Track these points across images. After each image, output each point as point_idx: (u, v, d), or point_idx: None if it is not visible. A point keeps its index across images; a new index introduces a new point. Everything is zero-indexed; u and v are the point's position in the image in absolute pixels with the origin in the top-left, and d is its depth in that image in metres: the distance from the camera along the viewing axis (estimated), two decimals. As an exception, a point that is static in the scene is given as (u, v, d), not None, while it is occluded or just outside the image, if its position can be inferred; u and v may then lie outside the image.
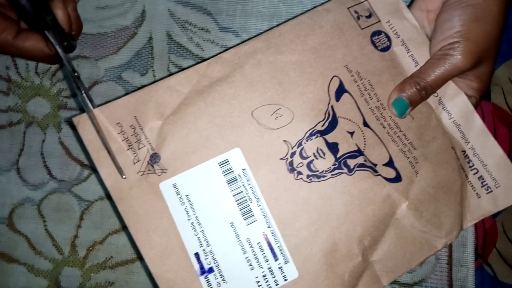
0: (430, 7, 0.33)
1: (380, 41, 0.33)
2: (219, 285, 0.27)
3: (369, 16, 0.33)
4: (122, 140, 0.28)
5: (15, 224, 0.37)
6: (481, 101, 0.34)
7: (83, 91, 0.29)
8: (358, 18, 0.33)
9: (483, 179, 0.32)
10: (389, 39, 0.33)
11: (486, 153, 0.32)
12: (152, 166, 0.28)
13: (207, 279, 0.27)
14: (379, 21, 0.33)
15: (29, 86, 0.39)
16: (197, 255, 0.27)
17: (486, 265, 0.47)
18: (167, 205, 0.28)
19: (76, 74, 0.29)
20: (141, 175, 0.28)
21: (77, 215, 0.37)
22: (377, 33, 0.33)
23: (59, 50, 0.29)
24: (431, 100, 0.33)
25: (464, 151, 0.32)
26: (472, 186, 0.32)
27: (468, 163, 0.32)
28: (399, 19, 0.34)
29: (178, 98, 0.29)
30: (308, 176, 0.29)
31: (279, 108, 0.30)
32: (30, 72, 0.39)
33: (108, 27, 0.40)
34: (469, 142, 0.33)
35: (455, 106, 0.33)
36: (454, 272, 0.36)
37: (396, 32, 0.33)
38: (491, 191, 0.32)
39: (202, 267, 0.27)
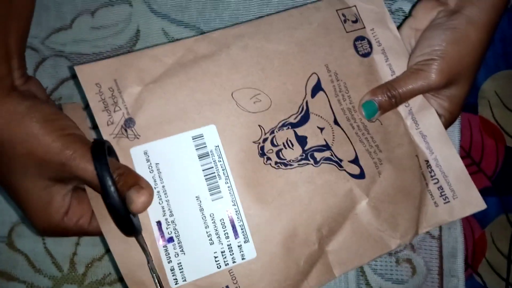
0: (419, 26, 0.35)
1: (362, 47, 0.35)
2: (176, 255, 0.27)
3: (355, 21, 0.35)
4: (99, 101, 0.28)
5: (14, 243, 0.37)
6: (452, 122, 0.35)
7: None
8: (345, 21, 0.35)
9: (442, 189, 0.34)
10: (370, 46, 0.35)
11: (448, 166, 0.34)
12: (126, 130, 0.28)
13: (165, 248, 0.27)
14: (364, 27, 0.35)
15: None
16: (159, 223, 0.27)
17: (476, 275, 0.49)
18: (135, 171, 0.28)
19: (155, 275, 0.27)
20: (113, 137, 0.28)
21: (76, 233, 0.37)
22: (360, 38, 0.35)
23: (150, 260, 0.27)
24: (402, 109, 0.35)
25: (427, 161, 0.34)
26: (431, 194, 0.34)
27: (430, 172, 0.34)
28: (383, 29, 0.35)
29: (161, 67, 0.29)
30: (276, 162, 0.30)
31: (259, 94, 0.31)
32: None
33: (103, 46, 0.40)
34: (433, 153, 0.34)
35: (423, 117, 0.34)
36: (445, 283, 0.37)
37: (378, 41, 0.35)
38: (449, 202, 0.33)
39: (162, 236, 0.27)
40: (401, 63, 0.35)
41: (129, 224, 0.25)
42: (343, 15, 0.35)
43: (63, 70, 0.39)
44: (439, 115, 0.35)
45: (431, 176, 0.34)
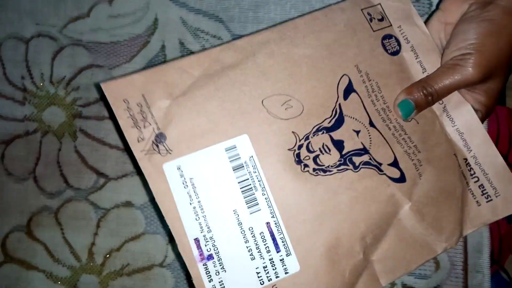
0: (449, 20, 0.34)
1: (391, 45, 0.33)
2: (217, 273, 0.26)
3: (381, 20, 0.34)
4: (128, 117, 0.27)
5: (33, 232, 0.37)
6: (488, 116, 0.34)
7: None
8: (371, 20, 0.34)
9: (483, 187, 0.32)
10: (399, 44, 0.34)
11: (488, 163, 0.33)
12: (157, 146, 0.27)
13: (205, 266, 0.26)
14: (391, 25, 0.34)
15: (44, 96, 0.39)
16: (197, 240, 0.26)
17: (502, 271, 0.47)
18: (169, 187, 0.27)
19: None
20: (145, 154, 0.27)
21: (94, 223, 0.37)
22: (388, 36, 0.34)
23: None
24: (436, 107, 0.33)
25: (466, 159, 0.33)
26: (472, 194, 0.32)
27: (469, 171, 0.33)
28: (410, 26, 0.34)
29: (189, 79, 0.29)
30: (314, 169, 0.29)
31: (290, 100, 0.30)
32: (45, 82, 0.40)
33: (121, 35, 0.40)
34: (471, 150, 0.33)
35: (459, 114, 0.33)
36: (470, 278, 0.36)
37: (406, 38, 0.34)
38: (491, 200, 0.32)
39: (201, 254, 0.26)
40: (432, 59, 0.34)
41: None
42: (369, 14, 0.34)
43: (81, 59, 0.39)
44: (476, 110, 0.33)
45: (471, 175, 0.33)
